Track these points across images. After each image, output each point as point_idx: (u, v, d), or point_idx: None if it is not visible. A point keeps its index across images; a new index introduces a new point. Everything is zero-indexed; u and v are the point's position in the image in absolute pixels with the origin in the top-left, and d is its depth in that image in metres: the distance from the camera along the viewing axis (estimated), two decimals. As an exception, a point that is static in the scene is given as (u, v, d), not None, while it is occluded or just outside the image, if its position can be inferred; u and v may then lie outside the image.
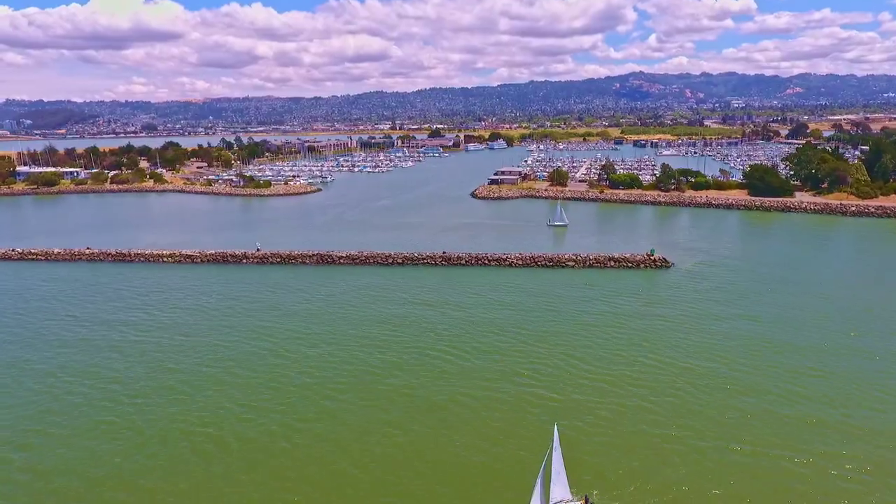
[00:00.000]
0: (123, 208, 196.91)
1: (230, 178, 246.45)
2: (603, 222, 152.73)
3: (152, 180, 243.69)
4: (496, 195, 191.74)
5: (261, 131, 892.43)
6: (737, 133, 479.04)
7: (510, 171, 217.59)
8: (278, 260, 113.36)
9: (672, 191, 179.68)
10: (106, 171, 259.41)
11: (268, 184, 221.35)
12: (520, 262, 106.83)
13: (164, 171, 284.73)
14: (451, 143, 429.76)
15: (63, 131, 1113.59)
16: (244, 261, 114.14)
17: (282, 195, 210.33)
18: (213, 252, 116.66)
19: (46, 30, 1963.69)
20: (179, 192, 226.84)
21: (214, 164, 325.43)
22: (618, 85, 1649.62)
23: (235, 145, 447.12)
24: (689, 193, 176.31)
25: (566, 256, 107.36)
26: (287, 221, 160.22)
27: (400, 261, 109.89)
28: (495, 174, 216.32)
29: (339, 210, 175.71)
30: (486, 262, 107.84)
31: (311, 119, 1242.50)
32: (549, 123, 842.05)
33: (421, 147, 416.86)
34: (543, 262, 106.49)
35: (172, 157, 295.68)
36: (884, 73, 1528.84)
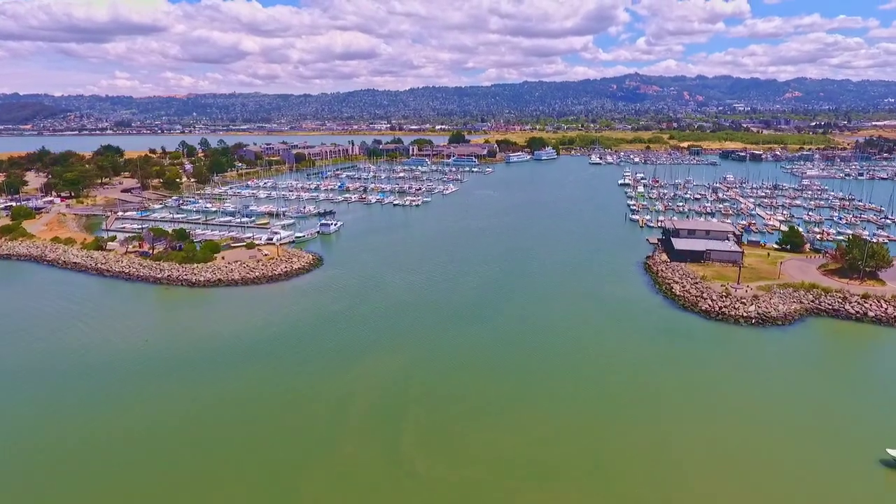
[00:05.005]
0: None
1: (144, 228, 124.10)
2: None
3: None
4: (739, 312, 75.87)
5: (244, 130, 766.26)
6: (838, 144, 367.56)
7: (714, 230, 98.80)
8: None
9: None
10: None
11: (209, 254, 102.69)
12: None
13: (59, 200, 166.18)
14: (484, 152, 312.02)
15: (29, 126, 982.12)
16: None
17: (237, 284, 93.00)
18: None
19: (19, 20, 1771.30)
20: (37, 261, 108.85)
21: (156, 183, 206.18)
22: (614, 86, 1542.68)
23: (199, 149, 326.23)
24: None
25: None
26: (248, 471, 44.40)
27: None
28: (678, 236, 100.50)
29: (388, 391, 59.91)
30: None
31: (300, 117, 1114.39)
32: (564, 126, 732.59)
33: (448, 157, 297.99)
34: None
35: (76, 177, 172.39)
36: (879, 79, 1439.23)
